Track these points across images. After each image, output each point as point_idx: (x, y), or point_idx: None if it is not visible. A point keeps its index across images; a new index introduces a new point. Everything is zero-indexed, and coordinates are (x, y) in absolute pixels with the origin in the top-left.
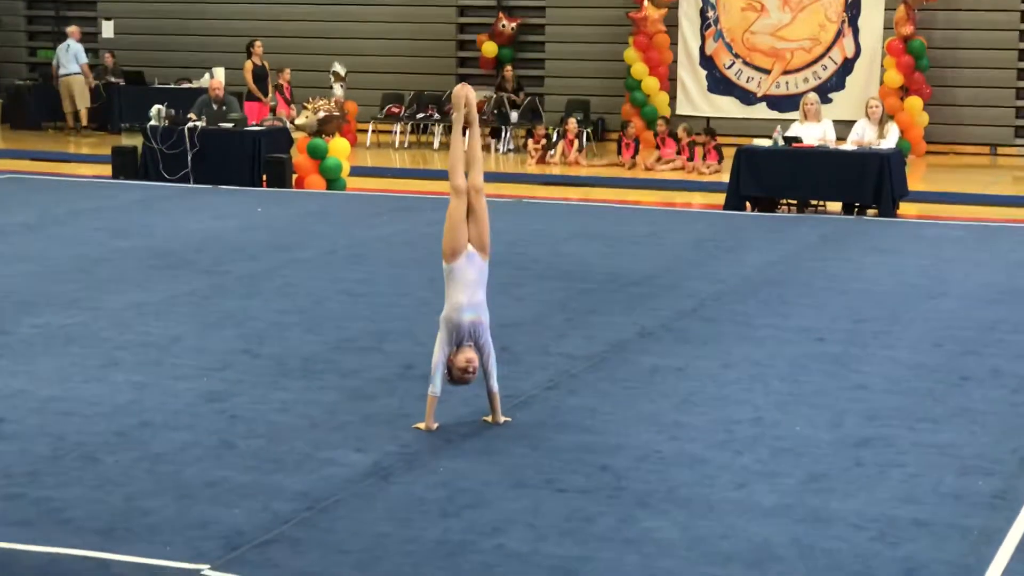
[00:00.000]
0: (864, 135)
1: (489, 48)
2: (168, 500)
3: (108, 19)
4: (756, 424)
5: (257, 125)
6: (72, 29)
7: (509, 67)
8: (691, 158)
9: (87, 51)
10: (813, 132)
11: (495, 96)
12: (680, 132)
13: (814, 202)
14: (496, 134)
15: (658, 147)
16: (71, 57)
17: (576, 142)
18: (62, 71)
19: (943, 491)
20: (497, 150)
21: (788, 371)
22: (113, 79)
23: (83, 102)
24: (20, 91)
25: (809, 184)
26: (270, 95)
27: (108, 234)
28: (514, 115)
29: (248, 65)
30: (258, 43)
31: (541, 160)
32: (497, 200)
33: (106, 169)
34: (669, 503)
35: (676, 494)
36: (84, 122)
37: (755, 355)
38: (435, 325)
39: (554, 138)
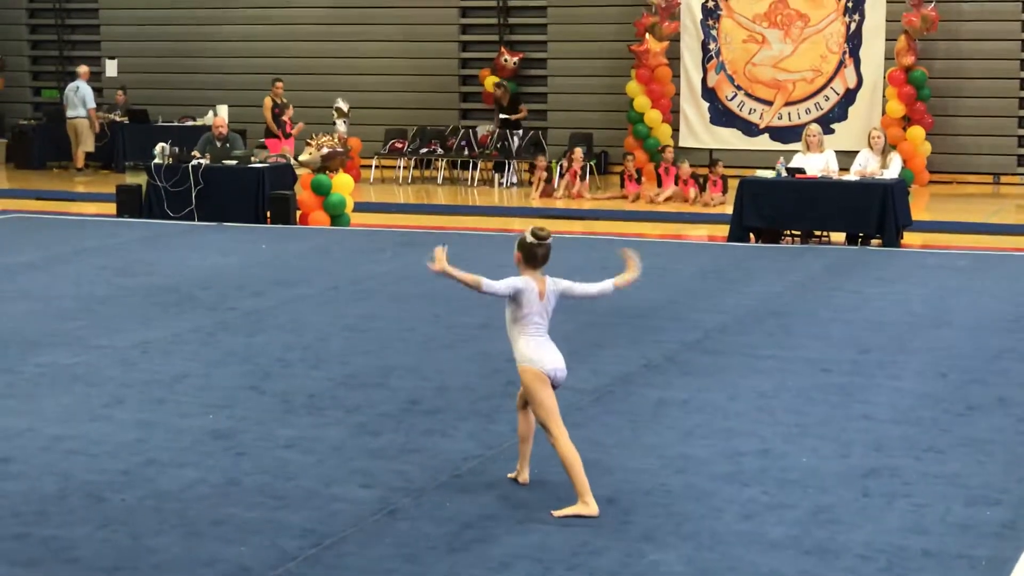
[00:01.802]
0: (867, 165)
1: (491, 82)
2: (175, 538)
3: (112, 58)
4: (762, 456)
5: (261, 162)
6: (83, 69)
7: (499, 90)
8: (704, 189)
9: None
10: (816, 163)
11: (498, 130)
12: (682, 169)
13: (818, 233)
14: (499, 168)
15: (659, 182)
16: (79, 100)
17: (580, 174)
18: (69, 113)
19: (950, 521)
20: (500, 184)
21: (794, 402)
22: (118, 117)
23: (85, 146)
24: (24, 131)
25: (812, 215)
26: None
27: (113, 272)
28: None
29: (267, 102)
30: (279, 82)
31: (545, 194)
32: (501, 234)
33: (110, 207)
34: (676, 536)
35: (683, 527)
36: (80, 164)
37: (761, 386)
38: (440, 359)
39: (556, 171)
